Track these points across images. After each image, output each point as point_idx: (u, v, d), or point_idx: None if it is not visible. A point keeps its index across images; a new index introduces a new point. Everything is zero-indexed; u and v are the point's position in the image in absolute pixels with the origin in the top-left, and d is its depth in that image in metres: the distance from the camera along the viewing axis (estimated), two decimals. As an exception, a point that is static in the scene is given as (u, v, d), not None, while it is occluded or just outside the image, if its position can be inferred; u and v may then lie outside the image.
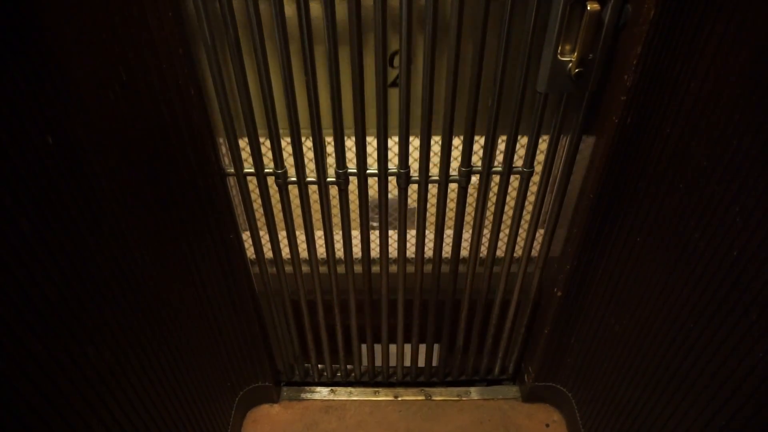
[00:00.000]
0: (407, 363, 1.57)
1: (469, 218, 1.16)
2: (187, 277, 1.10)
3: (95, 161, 0.76)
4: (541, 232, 1.21)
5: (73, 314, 0.71)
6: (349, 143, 1.02)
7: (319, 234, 1.18)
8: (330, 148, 1.03)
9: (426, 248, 1.21)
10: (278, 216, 1.15)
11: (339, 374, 1.60)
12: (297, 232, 1.18)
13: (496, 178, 1.09)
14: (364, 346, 1.49)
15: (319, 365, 1.58)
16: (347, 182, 1.07)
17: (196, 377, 1.16)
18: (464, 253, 1.23)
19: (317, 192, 1.09)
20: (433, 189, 1.10)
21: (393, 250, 1.22)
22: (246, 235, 1.18)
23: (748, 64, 0.71)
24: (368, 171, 1.06)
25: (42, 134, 0.65)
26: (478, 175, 1.08)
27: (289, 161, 1.05)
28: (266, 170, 1.06)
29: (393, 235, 1.20)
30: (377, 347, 1.50)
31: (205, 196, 1.04)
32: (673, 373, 0.94)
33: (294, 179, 1.07)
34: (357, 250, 1.22)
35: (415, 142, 1.02)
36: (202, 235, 1.09)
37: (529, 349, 1.48)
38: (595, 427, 1.29)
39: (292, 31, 0.87)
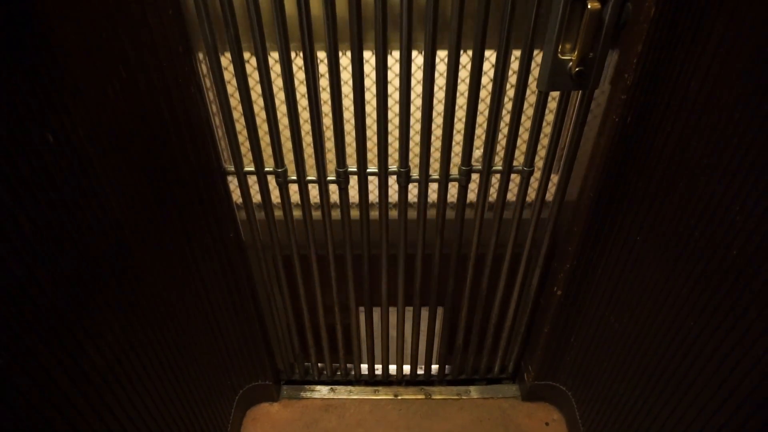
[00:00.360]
0: (407, 362, 1.57)
1: (469, 218, 1.16)
2: (187, 275, 1.10)
3: (95, 159, 0.76)
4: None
5: (73, 313, 0.71)
6: (349, 139, 1.02)
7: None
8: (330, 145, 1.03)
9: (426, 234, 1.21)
10: (277, 213, 1.15)
11: (339, 373, 1.60)
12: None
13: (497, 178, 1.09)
14: (364, 345, 1.50)
15: (319, 364, 1.58)
16: (347, 181, 1.07)
17: (196, 375, 1.16)
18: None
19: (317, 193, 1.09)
20: (432, 186, 1.09)
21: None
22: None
23: (748, 64, 0.71)
24: (368, 170, 1.05)
25: (42, 132, 0.65)
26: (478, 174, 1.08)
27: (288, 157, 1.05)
28: (266, 169, 1.06)
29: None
30: (377, 348, 1.50)
31: (206, 194, 1.04)
32: (673, 371, 0.94)
33: (294, 178, 1.07)
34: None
35: (416, 138, 1.02)
36: (202, 233, 1.09)
37: (528, 348, 1.48)
38: (595, 425, 1.29)
39: (292, 28, 0.87)
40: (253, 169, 1.06)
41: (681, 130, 0.86)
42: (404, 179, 1.06)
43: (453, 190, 1.11)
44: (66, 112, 0.69)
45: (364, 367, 1.57)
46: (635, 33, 0.82)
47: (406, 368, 1.59)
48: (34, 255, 0.63)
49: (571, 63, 0.88)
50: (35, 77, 0.63)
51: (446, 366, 1.59)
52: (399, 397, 1.57)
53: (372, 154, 1.04)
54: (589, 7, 0.81)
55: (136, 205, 0.89)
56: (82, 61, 0.73)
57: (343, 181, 1.07)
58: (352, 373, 1.59)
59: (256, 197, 1.12)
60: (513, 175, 1.08)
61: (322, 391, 1.59)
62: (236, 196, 1.12)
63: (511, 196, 1.13)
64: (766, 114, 0.68)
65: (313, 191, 1.11)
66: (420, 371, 1.59)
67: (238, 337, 1.34)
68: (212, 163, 1.01)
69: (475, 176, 1.08)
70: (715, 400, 0.83)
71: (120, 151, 0.84)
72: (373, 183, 1.09)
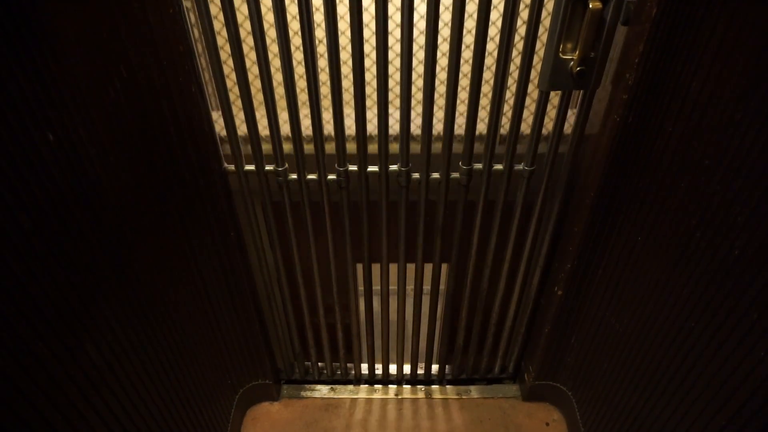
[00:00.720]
0: (407, 362, 1.57)
1: (471, 217, 1.15)
2: (187, 274, 1.10)
3: (96, 158, 0.76)
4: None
5: (72, 311, 0.71)
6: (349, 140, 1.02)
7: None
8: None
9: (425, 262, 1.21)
10: (278, 212, 1.14)
11: (339, 372, 1.60)
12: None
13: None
14: (364, 343, 1.50)
15: (320, 363, 1.58)
16: (348, 180, 1.07)
17: (196, 375, 1.16)
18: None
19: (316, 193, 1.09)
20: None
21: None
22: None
23: (749, 64, 0.70)
24: (369, 169, 1.05)
25: (43, 131, 0.65)
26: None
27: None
28: (267, 168, 1.05)
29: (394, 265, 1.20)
30: (376, 348, 1.50)
31: (206, 193, 1.04)
32: (674, 372, 0.94)
33: (294, 177, 1.07)
34: (358, 269, 1.22)
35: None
36: (202, 232, 1.09)
37: (529, 348, 1.48)
38: (595, 426, 1.29)
39: (292, 27, 0.86)
40: (253, 168, 1.06)
41: (682, 130, 0.86)
42: (405, 178, 1.06)
43: (452, 193, 1.11)
44: (66, 110, 0.69)
45: (365, 367, 1.57)
46: (636, 32, 0.82)
47: (407, 368, 1.59)
48: (33, 253, 0.63)
49: (572, 62, 0.88)
50: (36, 76, 0.63)
51: (446, 366, 1.59)
52: (399, 397, 1.57)
53: (373, 153, 1.04)
54: (590, 6, 0.81)
55: (136, 203, 0.89)
56: (82, 59, 0.72)
57: (343, 180, 1.07)
58: (353, 372, 1.59)
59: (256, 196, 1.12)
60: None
61: (323, 391, 1.59)
62: (237, 195, 1.12)
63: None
64: (767, 114, 0.68)
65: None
66: (420, 371, 1.59)
67: (239, 337, 1.34)
68: (212, 162, 1.01)
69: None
70: (716, 400, 0.82)
71: (120, 150, 0.84)
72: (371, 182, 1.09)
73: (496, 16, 0.87)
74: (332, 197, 1.11)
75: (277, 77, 0.93)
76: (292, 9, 0.85)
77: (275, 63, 0.91)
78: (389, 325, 1.44)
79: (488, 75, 0.94)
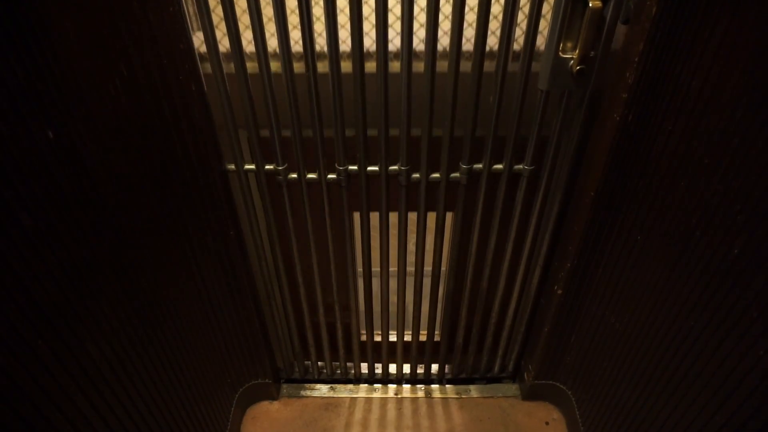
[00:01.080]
0: (407, 361, 1.57)
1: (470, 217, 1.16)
2: (187, 273, 1.10)
3: (96, 156, 0.76)
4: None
5: (72, 310, 0.71)
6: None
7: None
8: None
9: (425, 264, 1.21)
10: (278, 211, 1.15)
11: (339, 372, 1.60)
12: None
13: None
14: (363, 348, 1.50)
15: (319, 362, 1.58)
16: (348, 179, 1.07)
17: (196, 374, 1.16)
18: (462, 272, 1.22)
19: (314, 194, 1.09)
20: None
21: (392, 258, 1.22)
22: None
23: (749, 62, 0.71)
24: (369, 168, 1.05)
25: (43, 129, 0.65)
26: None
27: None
28: (267, 167, 1.05)
29: (393, 252, 1.20)
30: (376, 348, 1.50)
31: (206, 192, 1.04)
32: (674, 371, 0.94)
33: (295, 176, 1.07)
34: (357, 268, 1.21)
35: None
36: (202, 231, 1.09)
37: (528, 347, 1.48)
38: (595, 425, 1.29)
39: (293, 25, 0.86)
40: (253, 167, 1.06)
41: (682, 129, 0.86)
42: (405, 178, 1.06)
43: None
44: (66, 109, 0.69)
45: (364, 366, 1.57)
46: (636, 31, 0.82)
47: (406, 367, 1.59)
48: (33, 251, 0.63)
49: (572, 61, 0.88)
50: (36, 74, 0.63)
51: (446, 365, 1.59)
52: (399, 396, 1.57)
53: (373, 152, 1.04)
54: (590, 5, 0.81)
55: (136, 202, 0.89)
56: (82, 57, 0.72)
57: (344, 179, 1.07)
58: (352, 371, 1.59)
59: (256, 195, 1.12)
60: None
61: (322, 390, 1.59)
62: (237, 194, 1.12)
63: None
64: (767, 113, 0.68)
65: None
66: (420, 370, 1.59)
67: (238, 335, 1.34)
68: (213, 161, 1.01)
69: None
70: (715, 399, 0.82)
71: (120, 148, 0.84)
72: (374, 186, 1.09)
73: (498, 9, 0.87)
74: (332, 196, 1.11)
75: (278, 76, 0.92)
76: (291, 3, 0.85)
77: (274, 65, 0.91)
78: (389, 323, 1.44)
79: (488, 73, 0.94)
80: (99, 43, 0.76)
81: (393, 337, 1.49)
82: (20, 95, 0.60)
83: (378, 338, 1.49)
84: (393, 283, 1.33)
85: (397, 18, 0.87)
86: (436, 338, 1.49)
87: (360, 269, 1.27)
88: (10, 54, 0.59)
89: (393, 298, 1.37)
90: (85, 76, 0.73)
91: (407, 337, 1.50)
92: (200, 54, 0.91)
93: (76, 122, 0.71)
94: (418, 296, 1.33)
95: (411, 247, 1.22)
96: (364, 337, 1.47)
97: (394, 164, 1.05)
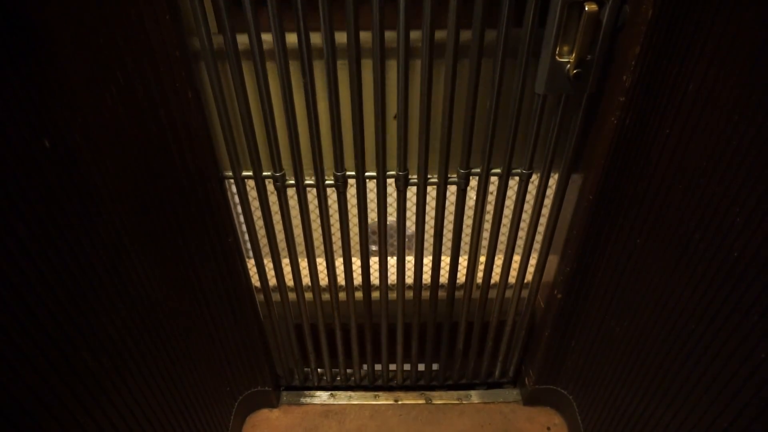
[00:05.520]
0: (407, 367, 1.57)
1: (468, 221, 1.15)
2: (185, 281, 1.10)
3: (92, 165, 0.76)
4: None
5: (70, 320, 0.70)
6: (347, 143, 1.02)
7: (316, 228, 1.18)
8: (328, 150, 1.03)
9: (424, 272, 1.24)
10: (276, 217, 1.14)
11: (339, 378, 1.59)
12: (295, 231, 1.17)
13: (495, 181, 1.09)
14: (363, 354, 1.49)
15: (319, 369, 1.57)
16: (345, 185, 1.07)
17: (195, 382, 1.16)
18: (461, 281, 1.27)
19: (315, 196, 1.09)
20: (431, 191, 1.09)
21: (392, 273, 1.25)
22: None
23: (746, 64, 0.71)
24: (366, 174, 1.05)
25: (39, 138, 0.64)
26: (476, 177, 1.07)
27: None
28: (264, 173, 1.05)
29: (392, 261, 1.22)
30: (376, 354, 1.49)
31: (204, 199, 1.04)
32: (675, 375, 0.93)
33: (292, 182, 1.06)
34: (356, 267, 1.22)
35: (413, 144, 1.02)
36: (200, 238, 1.09)
37: (529, 352, 1.47)
38: (597, 429, 1.28)
39: (289, 32, 0.87)
40: (251, 173, 1.05)
41: (680, 131, 0.86)
42: (403, 183, 1.06)
43: (452, 197, 1.11)
44: (63, 117, 0.69)
45: (364, 372, 1.56)
46: (633, 35, 0.82)
47: (407, 373, 1.58)
48: (30, 260, 0.63)
49: (569, 65, 0.88)
50: (32, 82, 0.63)
51: (447, 370, 1.58)
52: (399, 402, 1.56)
53: (370, 157, 1.04)
54: (586, 9, 0.81)
55: (133, 209, 0.89)
56: (79, 66, 0.72)
57: (341, 185, 1.06)
58: (352, 378, 1.59)
59: (255, 203, 1.12)
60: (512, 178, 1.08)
61: (322, 397, 1.58)
62: (235, 200, 1.12)
63: (509, 202, 1.13)
64: (765, 115, 0.68)
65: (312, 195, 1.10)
66: (420, 376, 1.58)
67: (237, 343, 1.33)
68: (210, 168, 1.01)
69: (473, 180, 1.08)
70: (717, 403, 0.82)
71: (117, 156, 0.83)
72: (372, 190, 1.09)
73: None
74: (330, 201, 1.11)
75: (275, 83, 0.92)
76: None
77: (273, 69, 0.91)
78: (389, 330, 1.44)
79: (486, 77, 0.94)
80: (95, 51, 0.76)
81: (393, 343, 1.49)
82: (16, 103, 0.60)
83: (378, 344, 1.48)
84: (392, 291, 1.33)
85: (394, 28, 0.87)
86: (436, 344, 1.48)
87: (359, 275, 1.27)
88: (6, 62, 0.58)
89: (392, 298, 1.37)
90: (82, 84, 0.73)
91: (408, 343, 1.49)
92: (197, 61, 0.91)
93: (72, 130, 0.71)
94: (418, 300, 1.33)
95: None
96: (363, 343, 1.47)
97: (392, 169, 1.05)
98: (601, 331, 1.20)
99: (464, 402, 1.56)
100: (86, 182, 0.75)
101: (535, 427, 1.48)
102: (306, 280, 1.26)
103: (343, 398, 1.58)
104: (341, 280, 1.28)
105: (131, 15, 0.79)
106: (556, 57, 0.87)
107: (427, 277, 1.27)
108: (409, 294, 1.30)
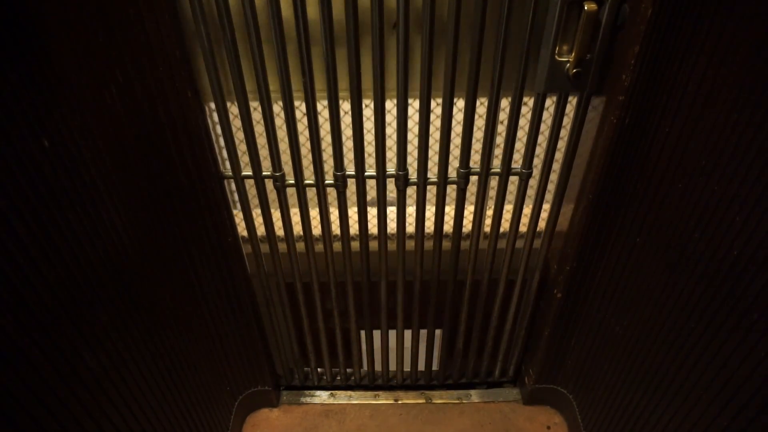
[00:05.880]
0: (407, 366, 1.57)
1: (468, 215, 1.15)
2: (185, 280, 1.10)
3: (92, 164, 0.76)
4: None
5: (70, 319, 0.71)
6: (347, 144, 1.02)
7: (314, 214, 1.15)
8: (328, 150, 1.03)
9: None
10: (276, 216, 1.14)
11: (339, 378, 1.59)
12: (292, 211, 1.14)
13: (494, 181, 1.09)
14: (363, 350, 1.49)
15: (319, 369, 1.57)
16: (345, 184, 1.07)
17: (195, 382, 1.16)
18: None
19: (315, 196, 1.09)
20: (431, 190, 1.09)
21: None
22: (239, 217, 1.13)
23: (746, 63, 0.71)
24: (366, 173, 1.05)
25: (38, 137, 0.64)
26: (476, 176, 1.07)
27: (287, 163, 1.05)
28: (264, 173, 1.05)
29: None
30: (377, 351, 1.49)
31: (203, 198, 1.04)
32: (675, 374, 0.93)
33: (292, 182, 1.06)
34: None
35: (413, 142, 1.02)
36: (200, 238, 1.09)
37: (529, 351, 1.48)
38: (597, 429, 1.28)
39: (289, 32, 0.86)
40: (251, 173, 1.05)
41: (679, 130, 0.86)
42: (402, 182, 1.06)
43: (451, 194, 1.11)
44: (62, 117, 0.69)
45: (364, 372, 1.56)
46: (632, 34, 0.82)
47: (407, 372, 1.58)
48: (30, 260, 0.63)
49: (568, 64, 0.88)
50: (31, 82, 0.63)
51: (446, 370, 1.58)
52: (399, 402, 1.56)
53: (370, 157, 1.04)
54: (586, 8, 0.81)
55: (133, 209, 0.89)
56: (78, 66, 0.72)
57: (341, 185, 1.06)
58: (352, 378, 1.59)
59: (254, 202, 1.12)
60: (512, 178, 1.08)
61: (322, 397, 1.58)
62: (234, 200, 1.12)
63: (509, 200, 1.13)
64: (764, 114, 0.68)
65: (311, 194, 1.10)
66: (420, 375, 1.58)
67: (237, 343, 1.33)
68: (210, 168, 1.01)
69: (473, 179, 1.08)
70: (717, 402, 0.82)
71: (117, 156, 0.83)
72: (371, 188, 1.09)
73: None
74: (330, 201, 1.11)
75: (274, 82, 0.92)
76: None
77: (272, 68, 0.91)
78: (388, 329, 1.44)
79: (485, 77, 0.94)
80: (94, 51, 0.76)
81: (393, 342, 1.49)
82: (15, 103, 0.60)
83: (378, 343, 1.48)
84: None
85: (393, 27, 0.87)
86: (436, 342, 1.49)
87: (359, 275, 1.27)
88: (5, 62, 0.58)
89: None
90: (81, 83, 0.73)
91: (407, 342, 1.49)
92: (196, 61, 0.91)
93: (71, 130, 0.71)
94: (418, 300, 1.33)
95: (410, 250, 1.22)
96: (363, 343, 1.47)
97: (391, 168, 1.05)
98: (601, 330, 1.20)
99: (464, 401, 1.56)
100: (85, 182, 0.75)
101: (535, 426, 1.48)
102: (297, 228, 1.18)
103: (343, 398, 1.58)
104: (336, 228, 1.19)
105: (131, 15, 0.79)
106: (556, 56, 0.87)
107: (430, 224, 1.19)
108: (411, 244, 1.22)
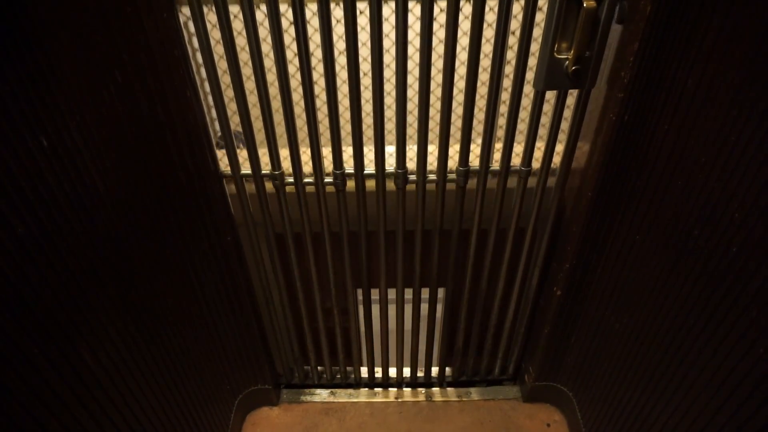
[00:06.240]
0: (407, 364, 1.57)
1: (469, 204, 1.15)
2: (184, 280, 1.10)
3: (90, 164, 0.76)
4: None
5: (69, 318, 0.70)
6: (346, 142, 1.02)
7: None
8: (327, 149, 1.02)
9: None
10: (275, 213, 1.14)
11: (339, 376, 1.59)
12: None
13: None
14: (363, 347, 1.49)
15: (319, 367, 1.57)
16: (344, 183, 1.07)
17: (195, 380, 1.16)
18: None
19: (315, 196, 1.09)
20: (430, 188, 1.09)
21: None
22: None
23: (744, 60, 0.71)
24: (365, 172, 1.05)
25: (36, 136, 0.64)
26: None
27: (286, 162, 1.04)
28: (263, 172, 1.05)
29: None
30: (376, 345, 1.49)
31: (202, 197, 1.04)
32: (674, 371, 0.93)
33: (291, 180, 1.06)
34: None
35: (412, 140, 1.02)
36: (199, 237, 1.09)
37: (529, 349, 1.48)
38: (597, 426, 1.28)
39: (287, 31, 0.86)
40: (249, 172, 1.05)
41: (678, 127, 0.86)
42: (402, 181, 1.06)
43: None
44: (60, 116, 0.69)
45: (364, 370, 1.57)
46: (631, 31, 0.82)
47: (407, 371, 1.58)
48: (29, 260, 0.62)
49: (567, 62, 0.88)
50: (30, 81, 0.63)
51: (446, 368, 1.58)
52: (399, 400, 1.56)
53: (369, 157, 1.04)
54: (585, 5, 0.81)
55: (132, 208, 0.89)
56: (77, 64, 0.72)
57: (340, 183, 1.06)
58: (352, 376, 1.59)
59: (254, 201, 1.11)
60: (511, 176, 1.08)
61: (322, 395, 1.58)
62: (233, 199, 1.12)
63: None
64: (763, 111, 0.68)
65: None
66: (420, 373, 1.59)
67: (237, 341, 1.33)
68: (209, 167, 1.01)
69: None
70: (716, 399, 0.82)
71: (116, 155, 0.83)
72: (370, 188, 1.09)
73: (491, 18, 0.87)
74: (329, 200, 1.11)
75: (273, 84, 0.92)
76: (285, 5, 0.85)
77: (272, 73, 0.91)
78: (388, 327, 1.44)
79: (484, 75, 0.93)
80: (93, 50, 0.76)
81: (393, 340, 1.49)
82: (13, 102, 0.60)
83: (377, 342, 1.49)
84: (392, 292, 1.33)
85: (392, 27, 0.87)
86: (436, 341, 1.49)
87: (358, 278, 1.27)
88: (3, 61, 0.58)
89: (392, 300, 1.36)
90: (80, 83, 0.73)
91: (407, 340, 1.49)
92: (195, 60, 0.90)
93: (70, 129, 0.71)
94: (417, 299, 1.33)
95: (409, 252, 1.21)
96: (363, 341, 1.47)
97: (390, 167, 1.05)
98: (601, 327, 1.20)
99: (464, 399, 1.56)
100: (84, 181, 0.75)
101: (534, 423, 1.49)
102: (286, 164, 1.06)
103: (344, 396, 1.58)
104: (328, 165, 1.07)
105: (129, 13, 0.79)
106: (555, 54, 0.87)
107: (432, 159, 1.08)
108: (412, 187, 1.09)
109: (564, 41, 0.86)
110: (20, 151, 0.61)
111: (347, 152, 1.03)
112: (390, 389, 1.59)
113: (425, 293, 1.33)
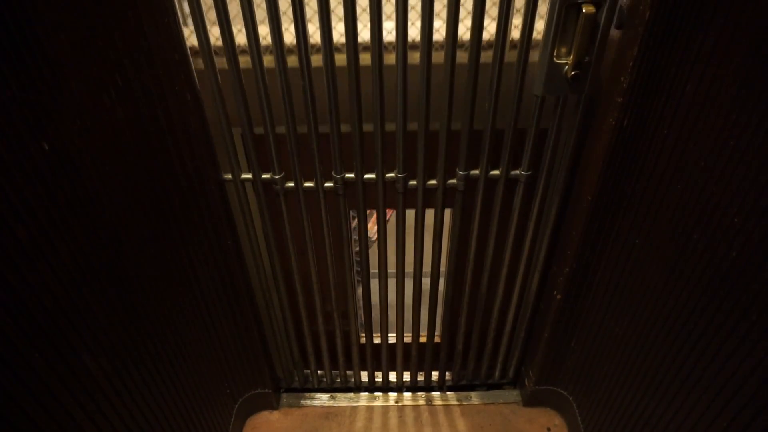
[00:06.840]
0: (408, 368, 1.57)
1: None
2: (185, 283, 1.10)
3: (91, 168, 0.76)
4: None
5: (69, 321, 0.71)
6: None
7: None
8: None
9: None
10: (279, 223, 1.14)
11: (339, 380, 1.59)
12: None
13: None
14: (363, 356, 1.49)
15: (319, 371, 1.57)
16: (345, 188, 1.07)
17: (195, 384, 1.16)
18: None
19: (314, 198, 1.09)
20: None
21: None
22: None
23: (743, 64, 0.71)
24: (366, 176, 1.05)
25: (37, 141, 0.65)
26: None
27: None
28: (264, 176, 1.05)
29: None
30: (376, 356, 1.49)
31: (203, 201, 1.04)
32: (674, 375, 0.93)
33: (291, 185, 1.06)
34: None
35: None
36: (199, 241, 1.09)
37: (529, 353, 1.48)
38: (597, 430, 1.28)
39: (288, 34, 0.87)
40: (250, 176, 1.05)
41: (678, 132, 0.86)
42: (402, 185, 1.06)
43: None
44: (61, 120, 0.69)
45: (364, 374, 1.56)
46: (630, 36, 0.83)
47: (407, 375, 1.58)
48: (30, 263, 0.63)
49: (567, 67, 0.88)
50: (30, 85, 0.63)
51: (447, 372, 1.58)
52: (400, 404, 1.56)
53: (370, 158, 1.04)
54: (583, 11, 0.81)
55: (132, 213, 0.89)
56: (77, 68, 0.72)
57: (340, 188, 1.07)
58: (352, 380, 1.58)
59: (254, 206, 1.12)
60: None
61: (322, 399, 1.58)
62: (234, 203, 1.12)
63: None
64: (761, 115, 0.68)
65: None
66: (420, 377, 1.58)
67: (237, 345, 1.33)
68: (209, 171, 1.01)
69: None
70: (717, 402, 0.82)
71: (116, 159, 0.83)
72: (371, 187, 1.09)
73: (489, 22, 0.87)
74: (329, 204, 1.11)
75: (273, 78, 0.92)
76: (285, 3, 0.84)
77: (271, 71, 0.91)
78: (388, 330, 1.44)
79: (483, 80, 0.94)
80: (94, 55, 0.76)
81: (393, 345, 1.49)
82: (15, 107, 0.60)
83: (378, 345, 1.48)
84: (392, 293, 1.33)
85: (392, 29, 0.87)
86: (436, 345, 1.49)
87: (358, 278, 1.27)
88: (4, 65, 0.59)
89: (392, 304, 1.37)
90: (81, 87, 0.73)
91: (407, 344, 1.49)
92: (195, 64, 0.91)
93: (71, 133, 0.71)
94: (417, 303, 1.33)
95: (409, 253, 1.22)
96: (363, 345, 1.47)
97: (391, 171, 1.05)
98: (601, 331, 1.20)
99: (464, 403, 1.56)
100: (85, 185, 0.75)
101: (535, 427, 1.48)
102: (267, 41, 0.89)
103: (344, 400, 1.58)
104: (317, 40, 0.88)
105: (129, 18, 0.79)
106: (554, 59, 0.87)
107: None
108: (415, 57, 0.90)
109: (563, 46, 0.87)
110: (21, 155, 0.61)
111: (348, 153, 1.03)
112: (390, 393, 1.59)
113: (425, 294, 1.33)
